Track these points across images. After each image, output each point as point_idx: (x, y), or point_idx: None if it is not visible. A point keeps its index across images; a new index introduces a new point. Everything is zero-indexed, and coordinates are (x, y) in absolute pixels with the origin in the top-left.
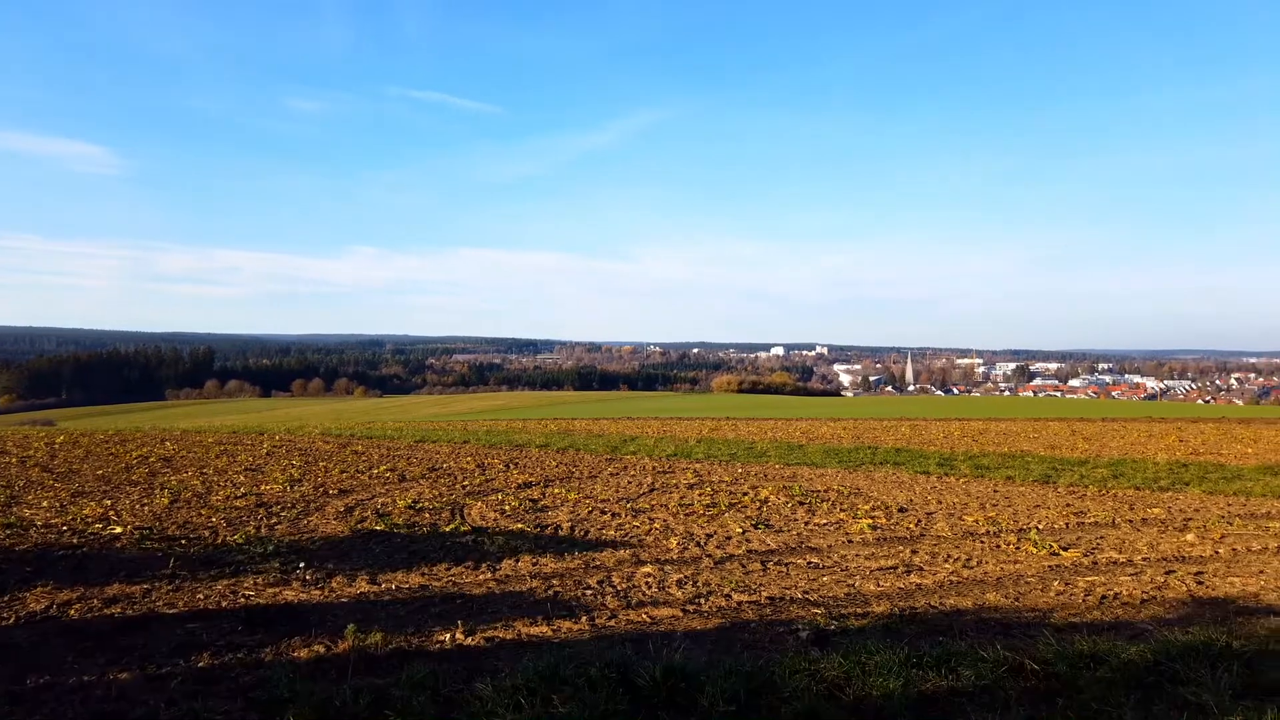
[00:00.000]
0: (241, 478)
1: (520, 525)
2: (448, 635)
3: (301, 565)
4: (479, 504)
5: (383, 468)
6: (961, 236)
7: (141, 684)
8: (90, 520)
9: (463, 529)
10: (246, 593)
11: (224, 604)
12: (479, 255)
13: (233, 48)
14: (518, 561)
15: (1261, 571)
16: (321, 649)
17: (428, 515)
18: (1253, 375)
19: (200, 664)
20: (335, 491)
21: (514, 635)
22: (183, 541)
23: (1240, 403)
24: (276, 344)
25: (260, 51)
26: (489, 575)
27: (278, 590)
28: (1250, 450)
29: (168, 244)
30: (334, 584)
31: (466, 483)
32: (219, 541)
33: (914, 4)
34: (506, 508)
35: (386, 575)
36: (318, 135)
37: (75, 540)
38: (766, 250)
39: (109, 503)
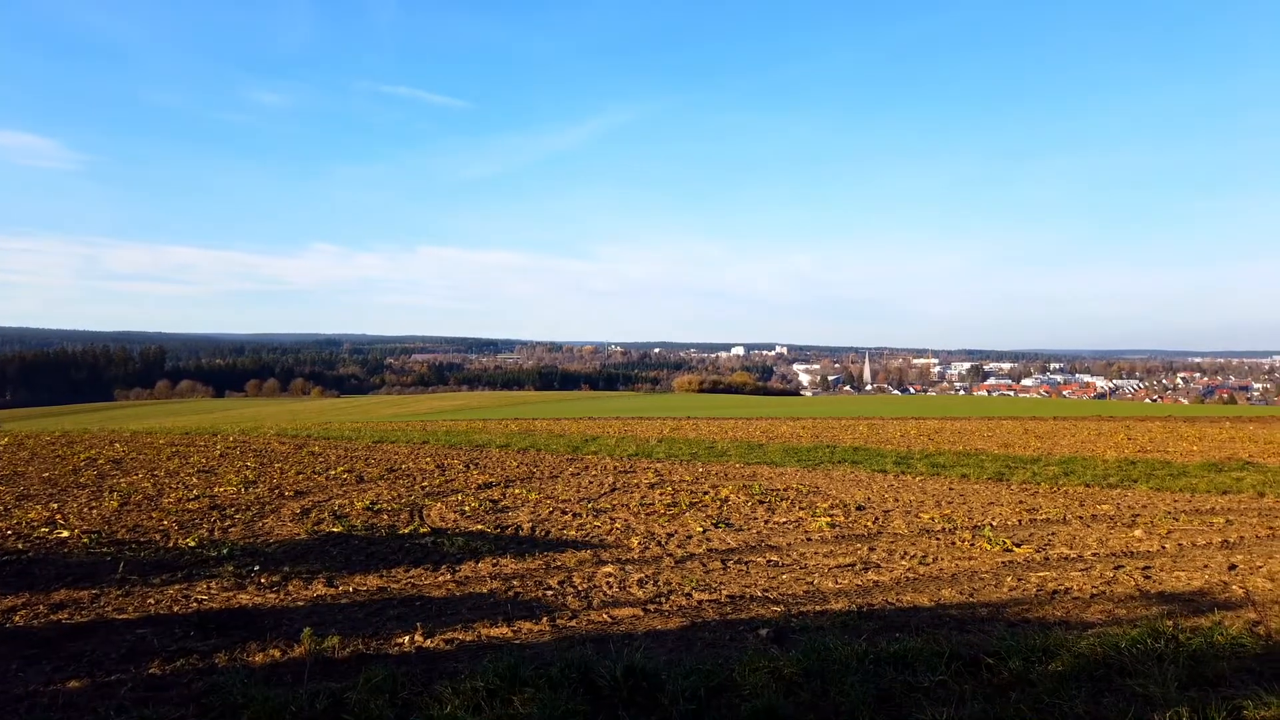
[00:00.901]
0: (194, 480)
1: (480, 526)
2: (407, 638)
3: (257, 569)
4: (438, 505)
5: (340, 469)
6: (921, 238)
7: (90, 691)
8: (36, 524)
9: (422, 530)
10: (199, 597)
11: (176, 609)
12: (441, 253)
13: (191, 36)
14: (478, 563)
15: (1206, 566)
16: (277, 653)
17: (386, 517)
18: (1198, 375)
19: (151, 670)
20: (291, 493)
21: (474, 637)
22: (133, 545)
23: (1186, 401)
24: (230, 343)
25: (221, 41)
26: (449, 577)
27: (232, 594)
28: (1195, 448)
29: (119, 241)
30: (290, 587)
31: (426, 484)
32: (171, 545)
33: (886, 7)
34: (466, 509)
35: (344, 578)
36: (280, 129)
37: (20, 545)
38: (731, 250)
39: (55, 506)
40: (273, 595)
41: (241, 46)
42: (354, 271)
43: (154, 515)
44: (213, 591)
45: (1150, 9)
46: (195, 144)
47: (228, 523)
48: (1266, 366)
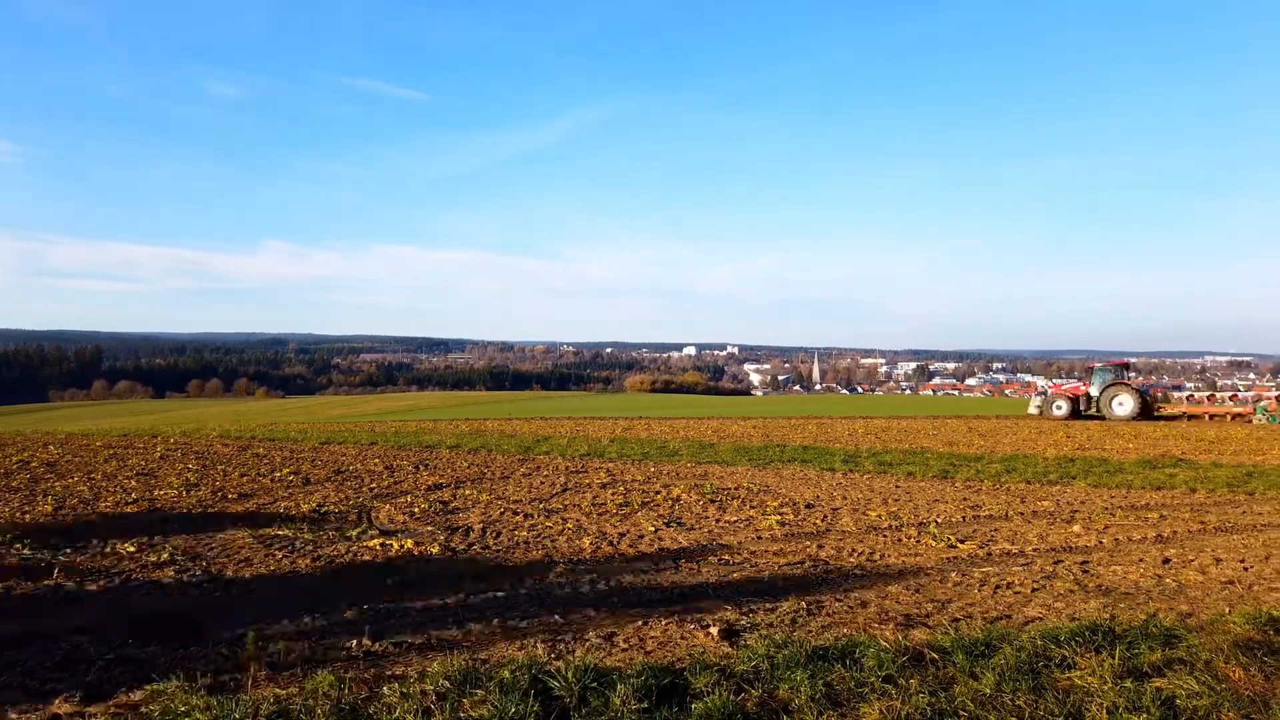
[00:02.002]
0: (133, 483)
1: (430, 528)
2: (354, 641)
3: (199, 573)
4: (387, 506)
5: (286, 470)
6: (875, 241)
7: (21, 703)
8: None
9: (370, 532)
10: (139, 603)
11: (114, 615)
12: (397, 252)
13: (140, 23)
14: (428, 564)
15: (1141, 560)
16: (220, 659)
17: (333, 519)
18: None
19: (88, 678)
20: (235, 495)
21: (424, 639)
22: (68, 550)
23: None
24: (171, 342)
25: (171, 29)
26: (400, 579)
27: (174, 599)
28: (1131, 445)
29: (60, 236)
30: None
31: (374, 485)
32: (109, 550)
33: (861, 10)
34: (416, 510)
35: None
36: (233, 122)
37: None
38: (696, 251)
39: None
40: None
41: (193, 35)
42: (307, 270)
43: (91, 519)
44: (153, 596)
45: (1108, 15)
46: (143, 136)
47: (168, 526)
48: (1198, 366)
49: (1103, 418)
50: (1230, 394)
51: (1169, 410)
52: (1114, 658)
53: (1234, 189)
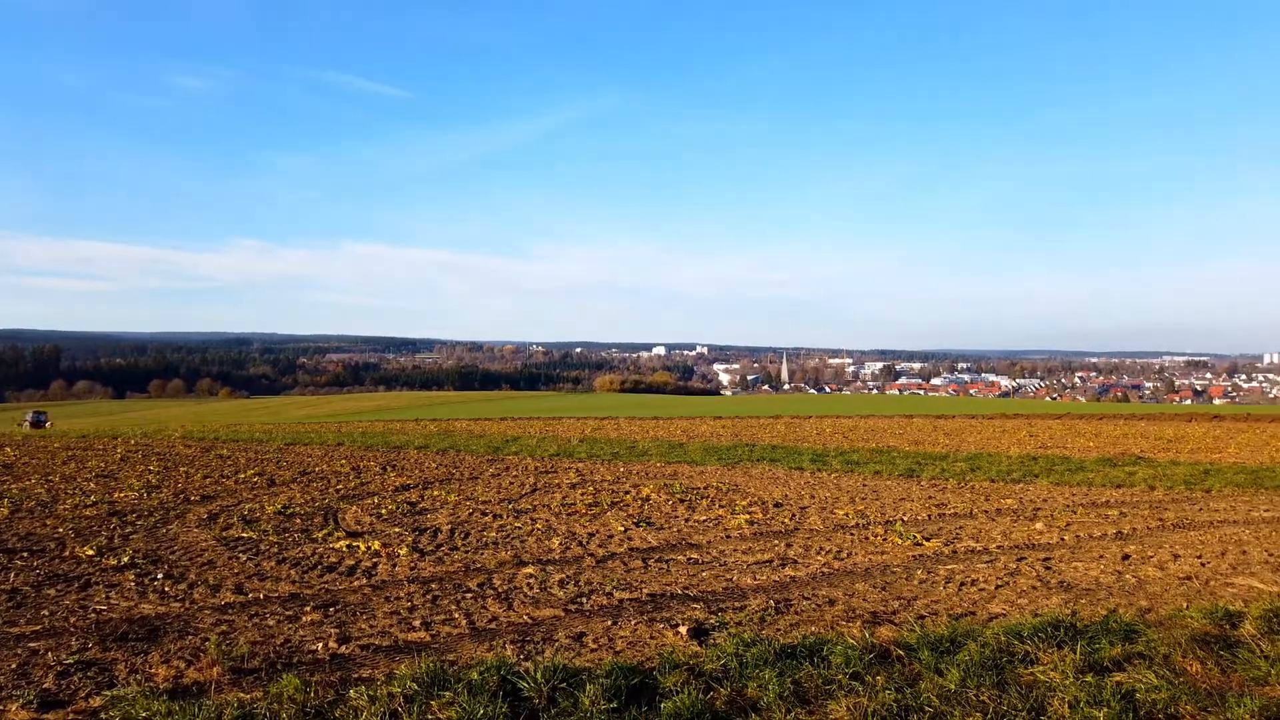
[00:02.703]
0: (92, 485)
1: (398, 529)
2: (320, 644)
3: (160, 577)
4: (354, 508)
5: (250, 472)
6: (845, 241)
7: None
8: None
9: (337, 534)
10: (98, 607)
11: (73, 620)
12: (367, 250)
13: (103, 11)
14: (395, 566)
15: (1102, 556)
16: (182, 664)
17: (299, 521)
18: (1094, 374)
19: (45, 685)
20: (198, 498)
21: (391, 642)
22: (24, 554)
23: (1083, 400)
24: (133, 342)
25: (137, 18)
26: (365, 581)
27: (134, 604)
28: (1092, 444)
29: (19, 233)
30: (196, 595)
31: (341, 486)
32: (67, 554)
33: (842, 13)
34: (383, 511)
35: (254, 584)
36: (202, 116)
37: None
38: (668, 252)
39: None
40: (177, 604)
41: (160, 25)
42: (276, 268)
43: (48, 522)
44: (113, 601)
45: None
46: (110, 130)
47: (129, 529)
48: (1156, 366)
49: None
50: None
51: None
52: (1075, 653)
53: (1190, 195)
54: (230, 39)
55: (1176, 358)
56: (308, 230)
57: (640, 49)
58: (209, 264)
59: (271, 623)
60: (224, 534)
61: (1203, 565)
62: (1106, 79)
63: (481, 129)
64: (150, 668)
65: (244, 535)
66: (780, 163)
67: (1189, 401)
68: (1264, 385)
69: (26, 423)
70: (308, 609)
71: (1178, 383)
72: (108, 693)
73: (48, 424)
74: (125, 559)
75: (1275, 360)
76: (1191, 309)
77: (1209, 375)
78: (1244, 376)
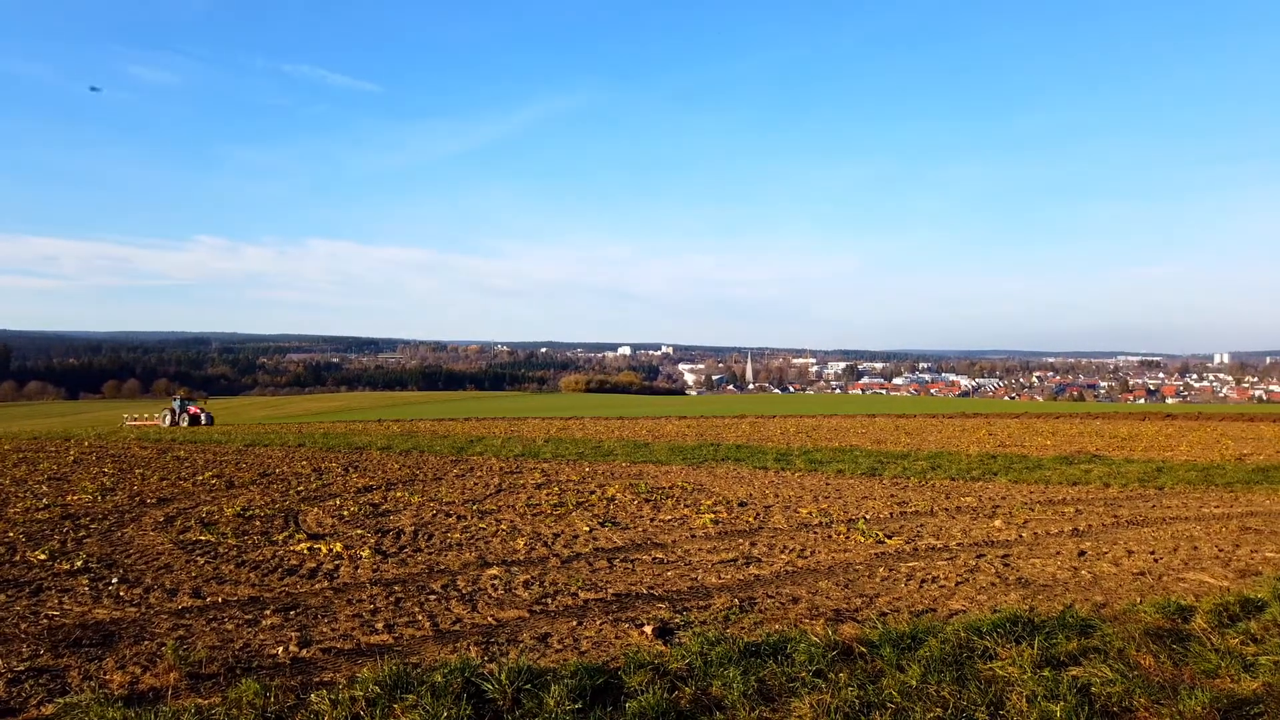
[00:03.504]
0: (44, 488)
1: (360, 531)
2: (280, 648)
3: (115, 581)
4: (315, 510)
5: (208, 474)
6: (812, 241)
7: None
8: None
9: (298, 536)
10: (50, 613)
11: (24, 626)
12: (333, 248)
13: (62, 1)
14: (357, 568)
15: (1058, 553)
16: (138, 670)
17: (259, 523)
18: (1051, 374)
19: None
20: (154, 500)
21: (353, 645)
22: None
23: (1040, 399)
24: (87, 342)
25: (95, 7)
26: (326, 584)
27: (87, 609)
28: (1049, 442)
29: None
30: (152, 600)
31: (302, 488)
32: (18, 558)
33: (818, 14)
34: (345, 513)
35: (212, 588)
36: (163, 109)
37: None
38: (638, 251)
39: None
40: (133, 609)
41: (119, 14)
42: (239, 265)
43: None
44: (66, 607)
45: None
46: (66, 123)
47: (82, 533)
48: (1111, 366)
49: None
50: None
51: None
52: (1033, 648)
53: (1142, 199)
54: (193, 30)
55: (1131, 358)
56: (273, 227)
57: (615, 47)
58: (169, 261)
59: (230, 627)
60: (181, 537)
61: (1156, 561)
62: (1068, 84)
63: (455, 125)
64: (104, 674)
65: (202, 538)
66: (750, 162)
67: (1143, 401)
68: (1214, 385)
69: (175, 415)
70: (268, 612)
71: (1132, 382)
72: (60, 700)
73: (203, 420)
74: (79, 563)
75: (1225, 360)
76: (1145, 310)
77: (1162, 375)
78: (1195, 376)
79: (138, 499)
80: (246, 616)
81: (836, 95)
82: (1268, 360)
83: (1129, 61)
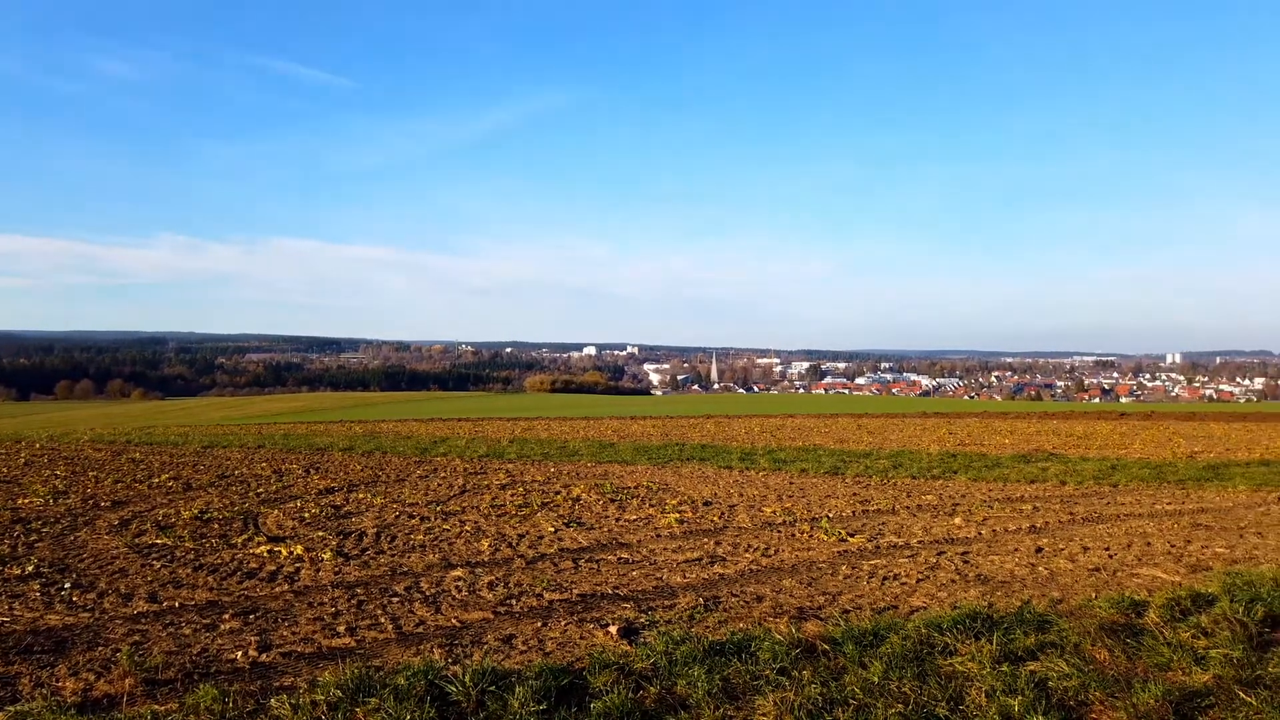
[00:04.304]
0: None
1: (322, 533)
2: (240, 652)
3: (68, 586)
4: (276, 512)
5: (164, 476)
6: (777, 241)
7: None
8: None
9: (257, 539)
10: (0, 619)
11: None
12: (300, 246)
13: None
14: (318, 570)
15: (1016, 549)
16: (92, 676)
17: (217, 526)
18: (1009, 374)
19: None
20: (108, 503)
21: (314, 648)
22: None
23: (999, 398)
24: (38, 341)
25: None
26: (287, 587)
27: (39, 615)
28: (1008, 441)
29: None
30: (106, 604)
31: (261, 490)
32: None
33: (794, 15)
34: (306, 515)
35: (169, 592)
36: (127, 103)
37: None
38: (613, 250)
39: None
40: (86, 614)
41: (83, 4)
42: (202, 264)
43: None
44: (16, 613)
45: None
46: (24, 117)
47: (33, 537)
48: (1068, 366)
49: None
50: None
51: None
52: (992, 643)
53: (1096, 206)
54: (161, 22)
55: (1086, 358)
56: (239, 225)
57: (593, 48)
58: (131, 259)
59: (188, 631)
60: (137, 541)
61: (1110, 557)
62: (1031, 93)
63: (431, 123)
64: (57, 680)
65: (158, 542)
66: (726, 164)
67: (1098, 400)
68: (1166, 384)
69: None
70: (226, 616)
71: (1087, 382)
72: (11, 708)
73: None
74: (30, 568)
75: (1177, 360)
76: (1100, 311)
77: (1116, 375)
78: (1148, 376)
79: (91, 502)
80: (204, 621)
81: (811, 100)
82: (1217, 360)
83: (1089, 71)
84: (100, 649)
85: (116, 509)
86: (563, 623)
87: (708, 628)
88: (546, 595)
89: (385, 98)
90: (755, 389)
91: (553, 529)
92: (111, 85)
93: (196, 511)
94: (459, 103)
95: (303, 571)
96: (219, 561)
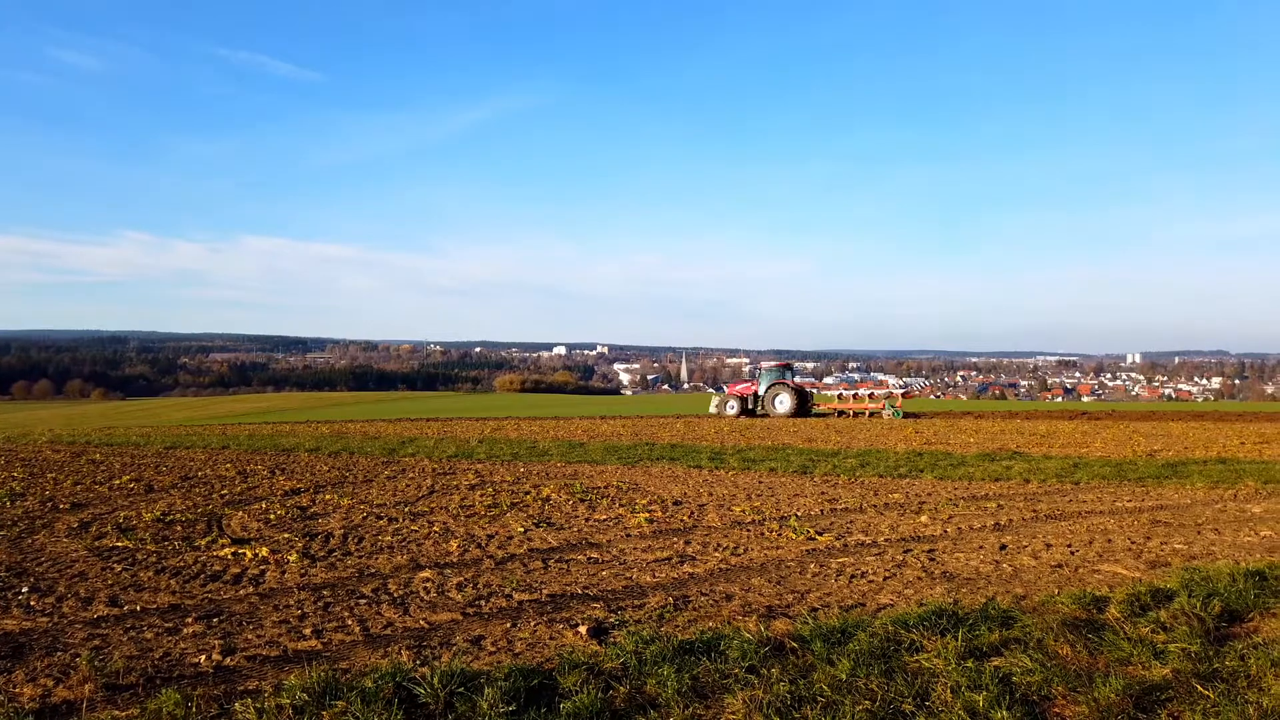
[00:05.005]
0: None
1: (287, 535)
2: (203, 656)
3: (25, 590)
4: (240, 514)
5: (126, 478)
6: (752, 243)
7: None
8: None
9: (221, 541)
10: None
11: None
12: (267, 244)
13: None
14: (284, 573)
15: (981, 547)
16: (50, 682)
17: (180, 528)
18: (975, 373)
19: None
20: (67, 506)
21: (279, 651)
22: None
23: (965, 397)
24: None
25: None
26: (251, 589)
27: None
28: (973, 440)
29: None
30: (66, 609)
31: (226, 491)
32: None
33: (773, 14)
34: (272, 516)
35: (131, 596)
36: (93, 97)
37: None
38: (584, 250)
39: None
40: (45, 619)
41: None
42: (166, 262)
43: None
44: None
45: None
46: None
47: None
48: (1031, 366)
49: (767, 415)
50: (869, 392)
51: (822, 407)
52: (957, 640)
53: (1058, 207)
54: (124, 11)
55: (1049, 358)
56: (205, 222)
57: (570, 47)
58: (92, 257)
59: (149, 636)
60: (97, 544)
61: (1072, 553)
62: (996, 98)
63: (403, 119)
64: (14, 687)
65: (119, 544)
66: (700, 164)
67: (1060, 399)
68: (1127, 384)
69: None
70: (189, 620)
71: (1050, 381)
72: None
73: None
74: None
75: (1137, 360)
76: (1063, 312)
77: (1078, 374)
78: (1109, 375)
79: (50, 504)
80: (167, 625)
81: (784, 100)
82: (1176, 360)
83: (1054, 74)
84: (59, 654)
85: (76, 511)
86: (532, 623)
87: (677, 627)
88: (516, 596)
89: (358, 93)
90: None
91: (522, 529)
92: (74, 78)
93: (159, 513)
94: (432, 100)
95: (268, 574)
96: (182, 564)
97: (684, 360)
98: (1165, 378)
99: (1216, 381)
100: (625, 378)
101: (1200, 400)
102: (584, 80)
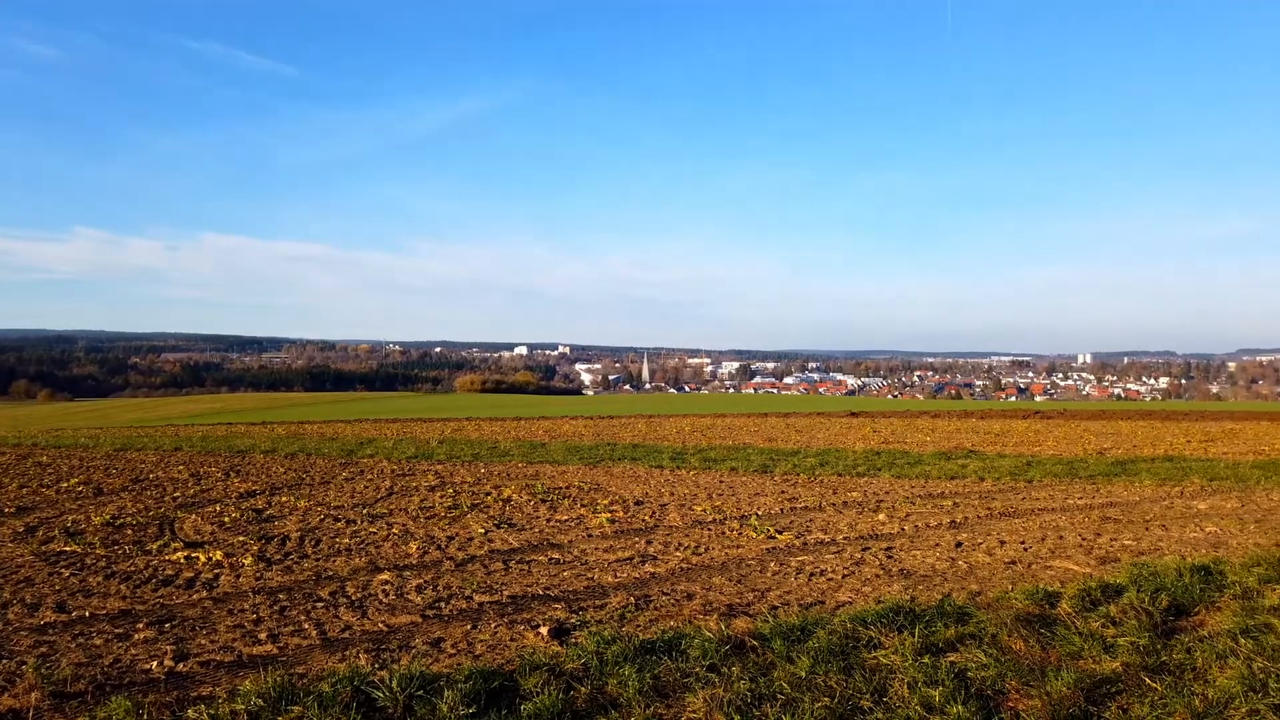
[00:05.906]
0: None
1: (243, 538)
2: (155, 663)
3: None
4: (193, 517)
5: (74, 480)
6: (716, 243)
7: None
8: None
9: (174, 545)
10: None
11: None
12: (227, 242)
13: None
14: (239, 576)
15: (937, 544)
16: None
17: (131, 532)
18: (931, 373)
19: None
20: (12, 510)
21: (234, 656)
22: None
23: (921, 397)
24: None
25: None
26: (205, 594)
27: None
28: (929, 439)
29: None
30: (11, 616)
31: (178, 494)
32: None
33: (754, 13)
34: (226, 519)
35: (79, 602)
36: (48, 88)
37: None
38: (555, 250)
39: None
40: None
41: None
42: (122, 260)
43: None
44: None
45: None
46: None
47: None
48: (985, 366)
49: None
50: None
51: None
52: (914, 636)
53: (1010, 207)
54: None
55: (1003, 358)
56: (163, 219)
57: (545, 45)
58: (45, 254)
59: (99, 642)
60: (43, 548)
61: (1025, 550)
62: (952, 100)
63: (375, 116)
64: None
65: (67, 549)
66: (670, 163)
67: (1014, 398)
68: (1078, 383)
69: None
70: (140, 625)
71: (1004, 381)
72: None
73: None
74: None
75: (1088, 360)
76: (1017, 313)
77: (1031, 374)
78: (1061, 375)
79: None
80: (117, 630)
81: (755, 104)
82: (1125, 360)
83: (1008, 81)
84: (4, 662)
85: (21, 515)
86: (493, 625)
87: (639, 626)
88: (476, 597)
89: (331, 89)
90: (686, 389)
91: (483, 530)
92: (28, 67)
93: (108, 517)
94: (405, 97)
95: (222, 578)
96: (132, 569)
97: (646, 360)
98: (1115, 378)
99: (1164, 381)
100: (587, 378)
101: (1148, 400)
102: (556, 79)
